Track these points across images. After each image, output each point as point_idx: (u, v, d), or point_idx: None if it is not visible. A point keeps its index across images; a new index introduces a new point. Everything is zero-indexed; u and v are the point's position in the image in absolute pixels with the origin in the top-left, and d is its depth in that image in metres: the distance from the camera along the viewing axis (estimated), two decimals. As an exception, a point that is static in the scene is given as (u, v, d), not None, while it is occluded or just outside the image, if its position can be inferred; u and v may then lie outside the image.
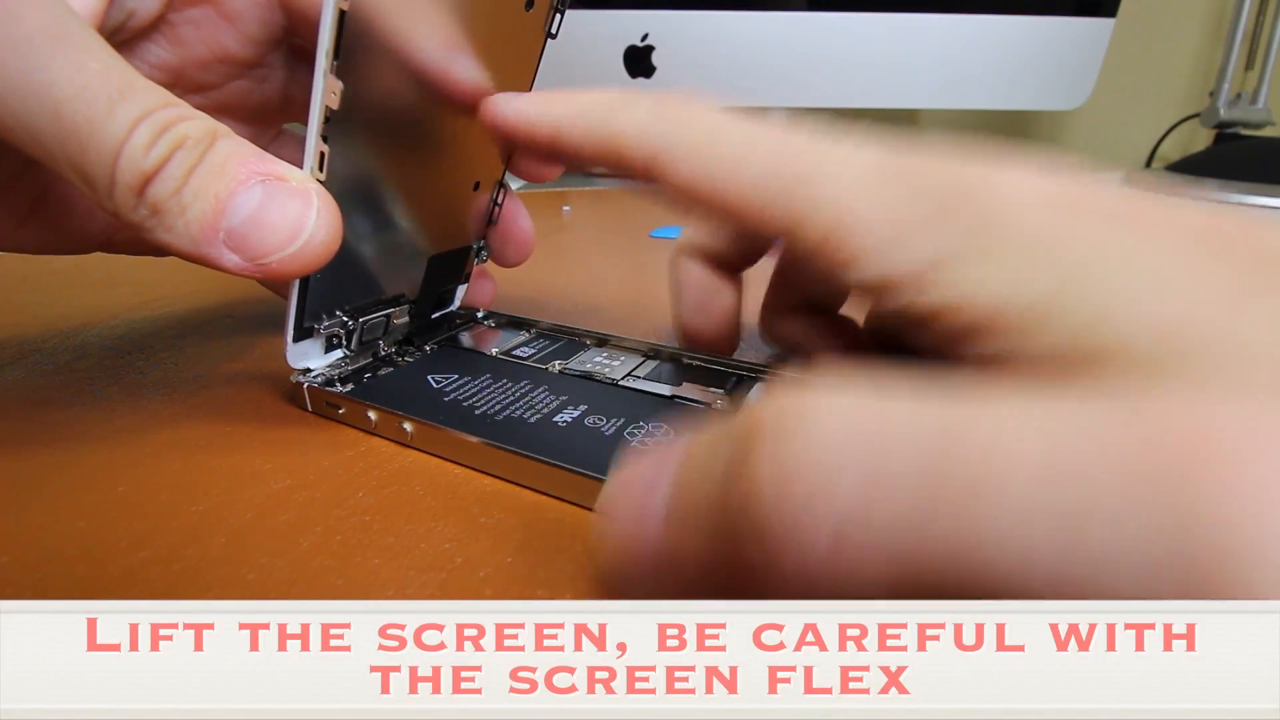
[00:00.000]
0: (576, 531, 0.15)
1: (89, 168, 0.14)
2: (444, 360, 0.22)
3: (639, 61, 0.62)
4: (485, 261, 0.25)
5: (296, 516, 0.15)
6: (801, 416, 0.09)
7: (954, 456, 0.08)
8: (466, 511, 0.15)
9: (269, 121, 0.23)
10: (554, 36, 0.21)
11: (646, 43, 0.62)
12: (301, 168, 0.16)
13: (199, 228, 0.15)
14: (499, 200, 0.24)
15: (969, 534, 0.08)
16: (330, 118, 0.16)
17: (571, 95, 0.17)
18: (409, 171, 0.20)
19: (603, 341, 0.23)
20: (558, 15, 0.21)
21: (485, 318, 0.26)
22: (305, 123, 0.17)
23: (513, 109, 0.18)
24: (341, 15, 0.15)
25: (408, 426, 0.18)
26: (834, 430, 0.09)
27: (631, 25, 0.61)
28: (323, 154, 0.17)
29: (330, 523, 0.15)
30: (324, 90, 0.16)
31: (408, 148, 0.20)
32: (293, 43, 0.21)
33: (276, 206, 0.16)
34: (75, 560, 0.14)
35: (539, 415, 0.18)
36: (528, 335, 0.24)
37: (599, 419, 0.18)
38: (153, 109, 0.15)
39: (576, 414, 0.18)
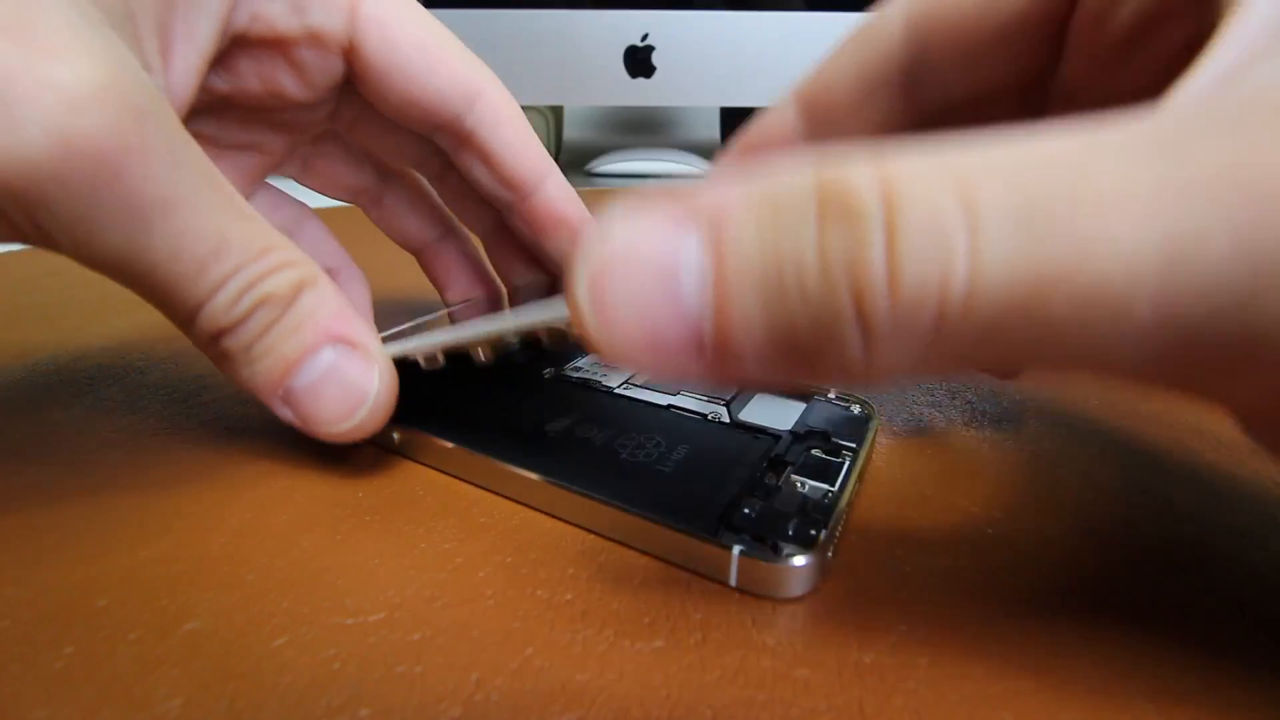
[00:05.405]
0: (575, 531, 0.15)
1: (169, 311, 0.15)
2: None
3: (639, 61, 0.62)
4: None
5: (296, 516, 0.15)
6: (902, 182, 0.08)
7: (1067, 188, 0.08)
8: (466, 512, 0.15)
9: (307, 133, 0.22)
10: None
11: (646, 43, 0.62)
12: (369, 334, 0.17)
13: (262, 381, 0.16)
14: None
15: (1075, 256, 0.08)
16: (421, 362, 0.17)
17: None
18: None
19: None
20: None
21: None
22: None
23: None
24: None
25: (396, 435, 0.18)
26: (940, 207, 0.08)
27: (631, 25, 0.61)
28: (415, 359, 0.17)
29: (330, 523, 0.15)
30: (426, 357, 0.17)
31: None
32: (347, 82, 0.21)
33: (339, 382, 0.16)
34: (76, 561, 0.14)
35: (529, 423, 0.18)
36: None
37: (591, 429, 0.17)
38: (244, 264, 0.15)
39: (567, 423, 0.18)
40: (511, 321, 0.15)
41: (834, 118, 0.17)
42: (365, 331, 0.16)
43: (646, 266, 0.09)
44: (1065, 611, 0.12)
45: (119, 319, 0.28)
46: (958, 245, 0.08)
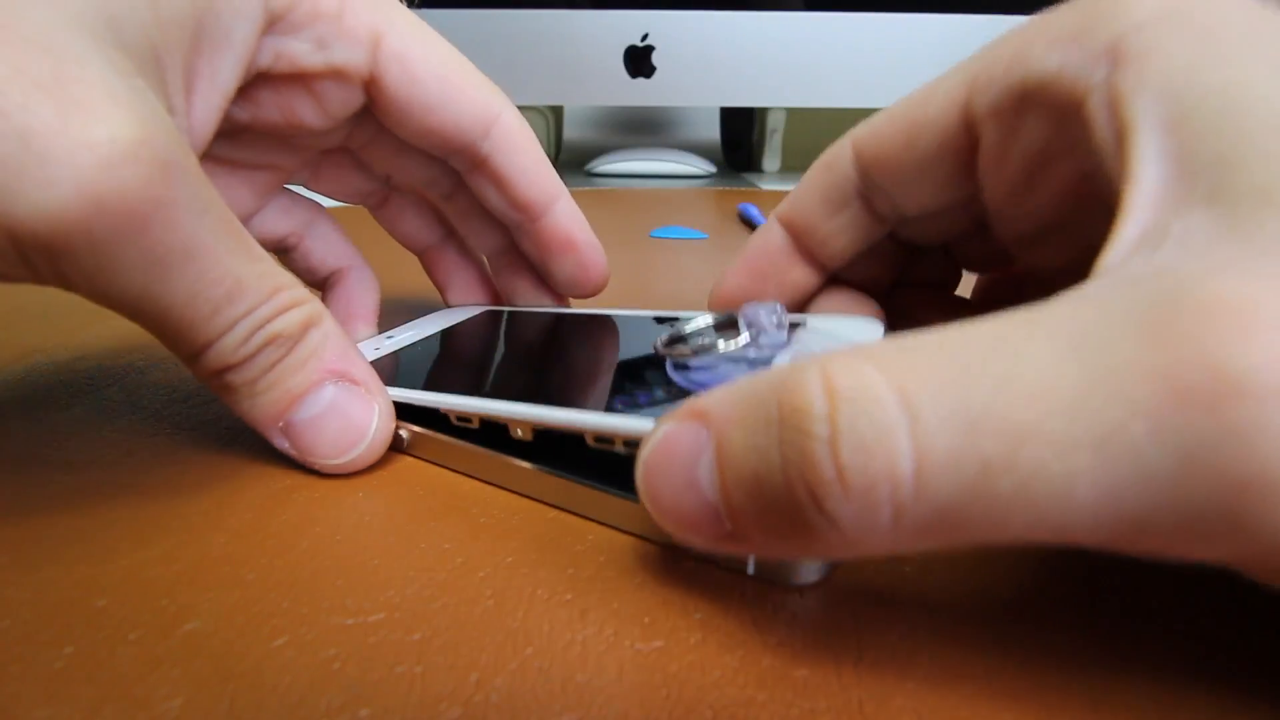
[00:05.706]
0: (575, 530, 0.15)
1: (176, 347, 0.15)
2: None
3: (639, 61, 0.62)
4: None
5: (296, 516, 0.15)
6: (843, 384, 0.09)
7: (997, 412, 0.09)
8: (466, 511, 0.15)
9: (316, 150, 0.22)
10: None
11: (646, 43, 0.62)
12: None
13: (262, 414, 0.16)
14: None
15: (1012, 447, 0.08)
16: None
17: None
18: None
19: None
20: None
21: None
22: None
23: None
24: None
25: (404, 434, 0.18)
26: (878, 404, 0.09)
27: (631, 25, 0.61)
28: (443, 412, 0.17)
29: (330, 522, 0.15)
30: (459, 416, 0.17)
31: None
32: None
33: (339, 418, 0.16)
34: (75, 561, 0.14)
35: None
36: None
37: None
38: (255, 306, 0.15)
39: None
40: (562, 416, 0.15)
41: (810, 232, 0.19)
42: (367, 369, 0.17)
43: (674, 463, 0.11)
44: (1066, 610, 0.12)
45: (119, 319, 0.28)
46: (899, 438, 0.09)
